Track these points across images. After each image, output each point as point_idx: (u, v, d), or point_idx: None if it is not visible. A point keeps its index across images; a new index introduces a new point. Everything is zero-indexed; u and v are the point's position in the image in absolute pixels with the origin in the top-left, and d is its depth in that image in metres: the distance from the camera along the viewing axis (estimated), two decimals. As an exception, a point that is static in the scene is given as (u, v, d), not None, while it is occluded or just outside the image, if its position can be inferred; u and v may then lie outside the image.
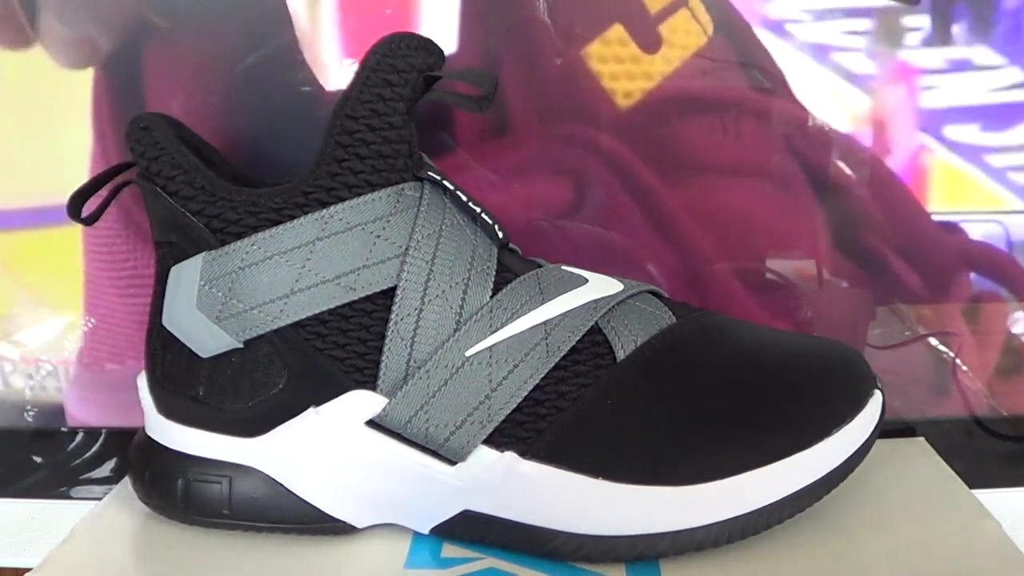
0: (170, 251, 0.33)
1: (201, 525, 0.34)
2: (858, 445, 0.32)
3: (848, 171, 0.37)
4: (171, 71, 0.39)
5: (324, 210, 0.31)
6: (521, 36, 0.36)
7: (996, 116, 0.37)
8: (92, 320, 0.42)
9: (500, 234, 0.33)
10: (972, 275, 0.39)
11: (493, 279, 0.32)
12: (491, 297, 0.32)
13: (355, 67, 0.32)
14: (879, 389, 0.34)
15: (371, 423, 0.32)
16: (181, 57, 0.40)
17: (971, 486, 0.36)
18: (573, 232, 0.43)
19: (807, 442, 0.31)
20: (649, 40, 0.35)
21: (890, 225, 0.38)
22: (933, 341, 0.44)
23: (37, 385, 0.47)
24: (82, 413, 0.47)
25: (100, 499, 0.38)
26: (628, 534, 0.31)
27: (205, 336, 0.32)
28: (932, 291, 0.38)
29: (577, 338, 0.32)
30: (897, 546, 0.32)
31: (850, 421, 0.32)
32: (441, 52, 0.33)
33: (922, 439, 0.41)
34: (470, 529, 0.32)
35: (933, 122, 0.37)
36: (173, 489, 0.33)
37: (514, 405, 0.31)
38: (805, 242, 0.38)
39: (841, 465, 0.32)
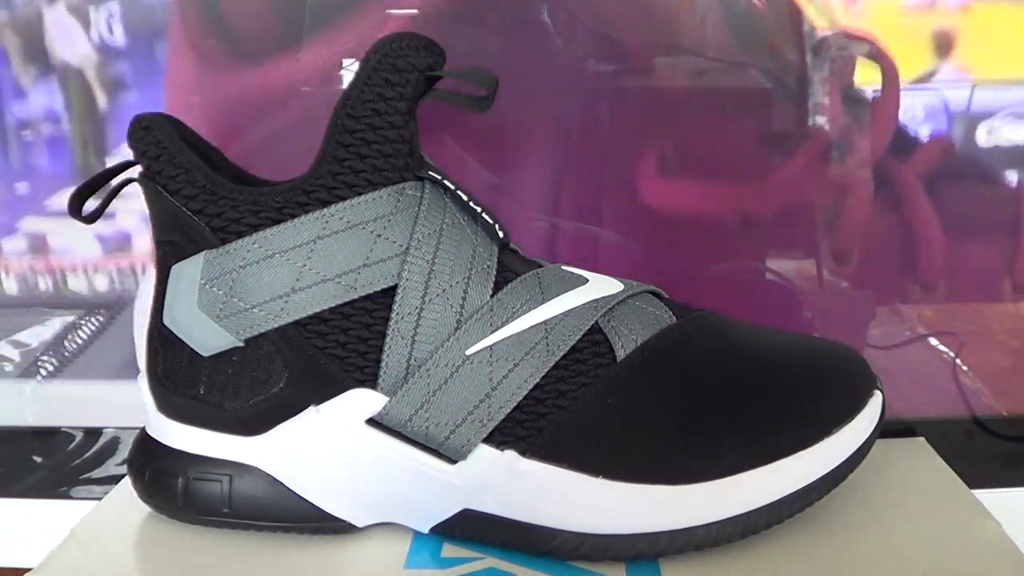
0: (171, 250, 0.33)
1: (201, 524, 0.34)
2: (858, 445, 0.32)
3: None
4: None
5: (325, 209, 0.32)
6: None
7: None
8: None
9: (500, 234, 0.33)
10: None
11: (494, 278, 0.32)
12: (491, 296, 0.32)
13: (356, 67, 0.32)
14: (879, 389, 0.34)
15: (371, 421, 0.32)
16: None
17: (971, 486, 0.36)
18: (573, 232, 0.43)
19: (807, 442, 0.31)
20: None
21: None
22: (933, 341, 0.44)
23: (37, 385, 0.47)
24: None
25: (100, 499, 0.38)
26: (628, 533, 0.31)
27: (206, 335, 0.32)
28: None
29: (577, 337, 0.32)
30: (897, 546, 0.32)
31: (850, 421, 0.32)
32: (442, 52, 0.33)
33: (922, 439, 0.41)
34: (470, 528, 0.32)
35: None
36: (173, 488, 0.33)
37: (514, 404, 0.31)
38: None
39: (841, 465, 0.32)
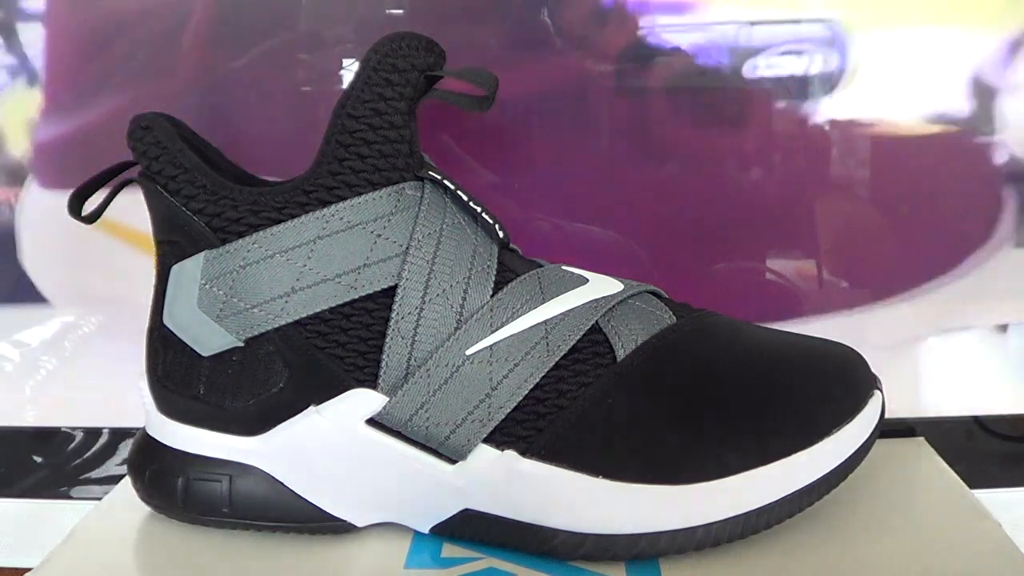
0: (171, 250, 0.33)
1: (201, 524, 0.34)
2: (858, 445, 0.32)
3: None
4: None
5: (325, 209, 0.32)
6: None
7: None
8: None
9: (500, 234, 0.33)
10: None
11: (494, 278, 0.32)
12: (491, 296, 0.32)
13: (356, 67, 0.32)
14: (879, 389, 0.34)
15: (371, 421, 0.32)
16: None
17: (971, 486, 0.36)
18: (573, 232, 0.43)
19: (807, 442, 0.31)
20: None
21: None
22: (933, 341, 0.44)
23: (37, 385, 0.47)
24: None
25: (100, 499, 0.38)
26: (628, 533, 0.31)
27: (206, 335, 0.32)
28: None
29: (577, 337, 0.32)
30: (897, 546, 0.32)
31: (850, 421, 0.32)
32: (442, 52, 0.33)
33: (922, 439, 0.41)
34: (470, 528, 0.32)
35: None
36: (173, 488, 0.33)
37: (514, 404, 0.31)
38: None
39: (841, 465, 0.32)
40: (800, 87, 0.41)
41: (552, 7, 0.41)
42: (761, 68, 0.41)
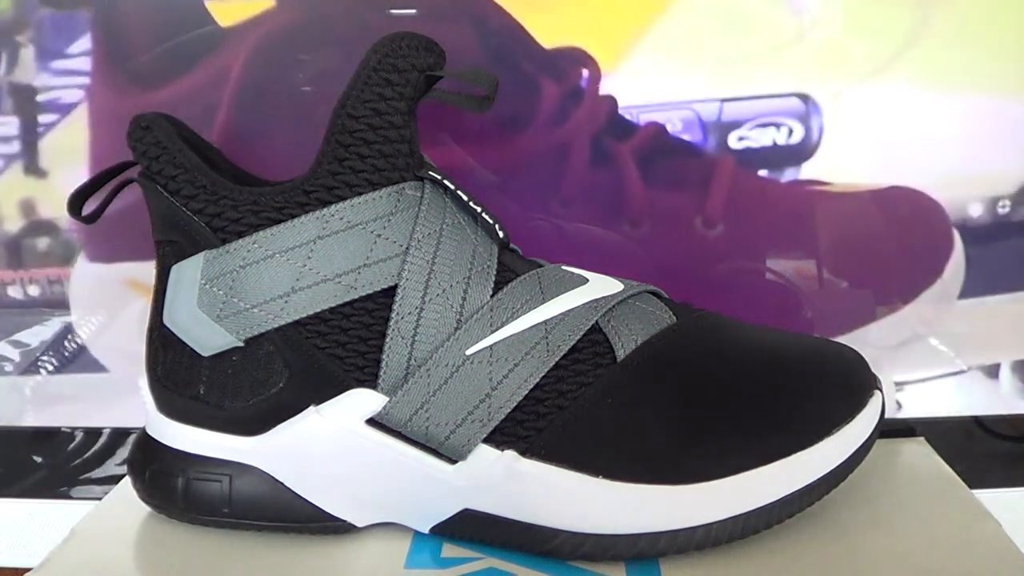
0: (171, 250, 0.33)
1: (201, 524, 0.34)
2: (858, 445, 0.32)
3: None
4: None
5: (325, 209, 0.32)
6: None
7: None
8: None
9: (500, 234, 0.33)
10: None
11: (494, 278, 0.32)
12: (492, 296, 0.32)
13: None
14: (879, 389, 0.34)
15: (371, 422, 0.32)
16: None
17: (971, 486, 0.36)
18: (573, 232, 0.43)
19: (807, 442, 0.31)
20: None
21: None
22: (933, 341, 0.44)
23: (37, 385, 0.47)
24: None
25: (100, 499, 0.38)
26: (628, 533, 0.31)
27: (206, 334, 0.32)
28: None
29: (577, 337, 0.32)
30: (897, 546, 0.32)
31: (850, 421, 0.32)
32: (442, 52, 0.33)
33: (922, 439, 0.41)
34: (470, 528, 0.32)
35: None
36: (173, 487, 0.33)
37: (514, 404, 0.31)
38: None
39: (841, 465, 0.32)
40: (772, 157, 0.43)
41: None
42: (734, 141, 0.43)
